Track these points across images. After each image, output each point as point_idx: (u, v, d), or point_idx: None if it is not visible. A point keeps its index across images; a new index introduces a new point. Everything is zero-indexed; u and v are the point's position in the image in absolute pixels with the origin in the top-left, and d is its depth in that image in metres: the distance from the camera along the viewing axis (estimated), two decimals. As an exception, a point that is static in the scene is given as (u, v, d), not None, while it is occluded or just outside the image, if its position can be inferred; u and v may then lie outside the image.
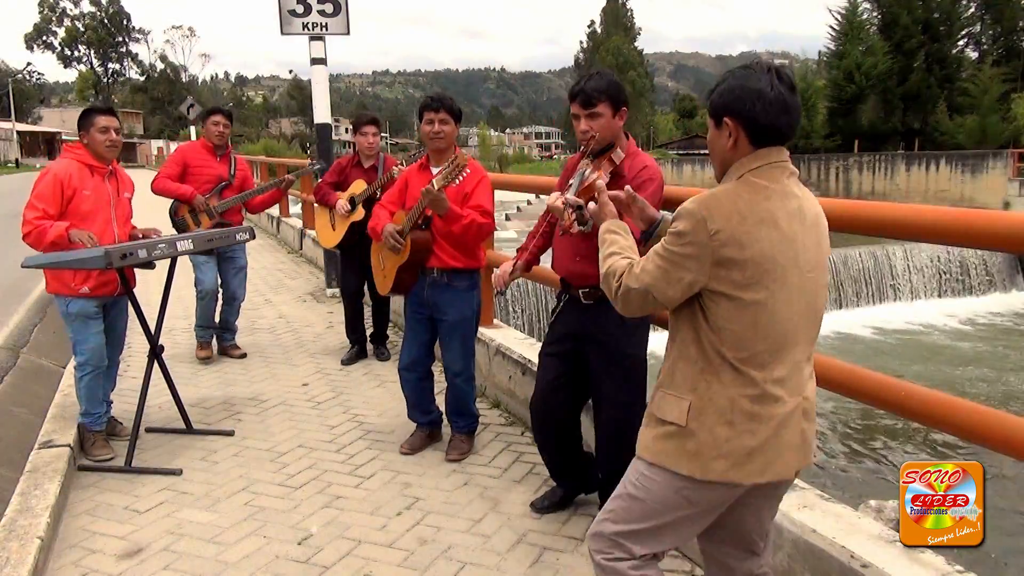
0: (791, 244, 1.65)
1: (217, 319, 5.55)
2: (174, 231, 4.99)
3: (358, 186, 5.20)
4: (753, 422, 1.67)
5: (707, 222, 1.62)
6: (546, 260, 3.25)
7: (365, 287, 5.41)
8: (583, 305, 2.84)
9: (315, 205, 5.61)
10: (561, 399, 2.99)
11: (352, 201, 5.12)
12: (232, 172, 5.40)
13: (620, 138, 2.73)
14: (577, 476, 3.13)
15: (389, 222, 3.60)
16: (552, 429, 3.05)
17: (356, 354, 5.43)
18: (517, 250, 3.15)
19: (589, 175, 2.38)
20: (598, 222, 2.01)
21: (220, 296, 5.50)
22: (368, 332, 5.58)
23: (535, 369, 3.89)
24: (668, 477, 1.76)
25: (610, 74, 2.77)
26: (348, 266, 5.42)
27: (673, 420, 1.74)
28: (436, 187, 3.25)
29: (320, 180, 5.61)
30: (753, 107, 1.64)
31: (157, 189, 5.26)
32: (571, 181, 2.41)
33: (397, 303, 5.63)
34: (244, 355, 5.55)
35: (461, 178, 3.29)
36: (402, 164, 4.88)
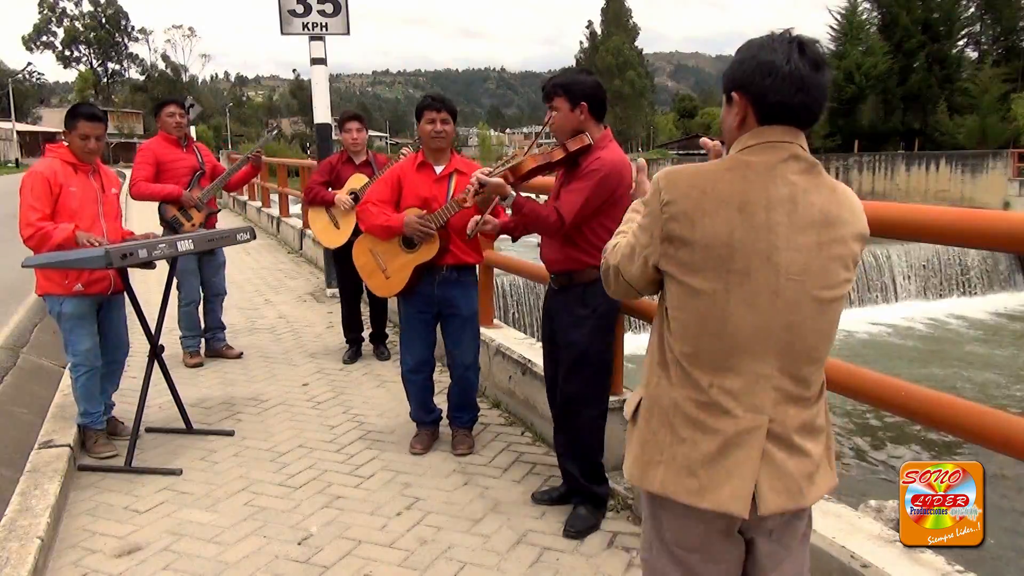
0: (764, 236, 1.42)
1: (203, 323, 5.52)
2: (166, 231, 4.99)
3: (357, 180, 5.17)
4: (696, 431, 1.48)
5: (661, 192, 1.48)
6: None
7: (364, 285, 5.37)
8: (553, 290, 3.02)
9: (308, 207, 5.52)
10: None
11: (355, 196, 5.09)
12: (202, 160, 5.36)
13: (587, 130, 2.84)
14: None
15: (399, 216, 3.49)
16: (556, 420, 3.16)
17: (355, 353, 5.43)
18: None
19: (521, 157, 2.83)
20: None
21: (207, 295, 5.49)
22: (367, 332, 5.57)
23: (535, 369, 3.92)
24: (645, 497, 1.63)
25: (575, 71, 2.94)
26: (347, 264, 5.32)
27: (627, 415, 1.64)
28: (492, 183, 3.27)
29: (310, 180, 5.57)
30: (763, 81, 1.45)
31: (138, 194, 5.16)
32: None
33: (393, 300, 5.62)
34: (240, 355, 5.53)
35: None
36: (410, 147, 4.81)
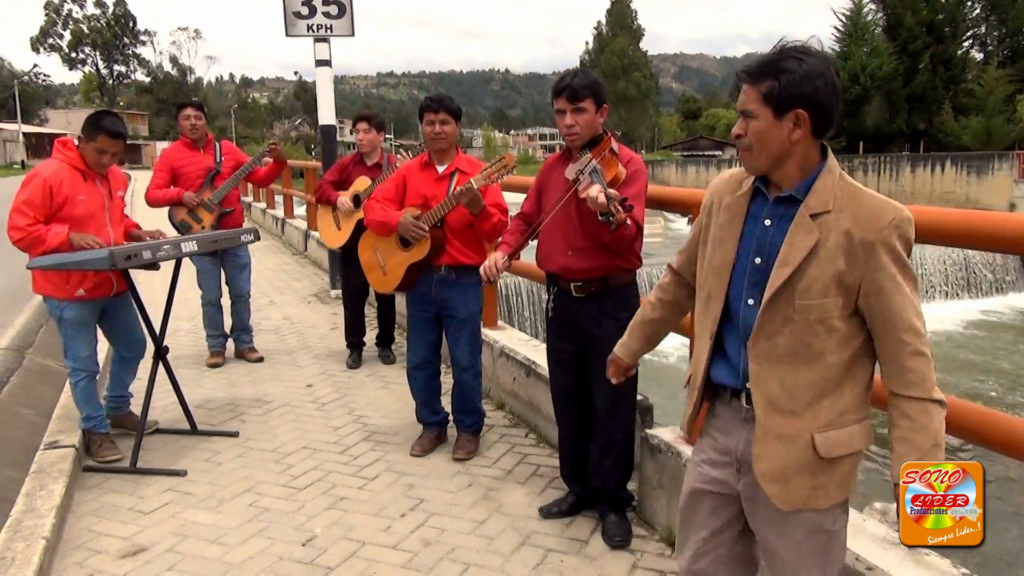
0: None
1: (229, 322, 5.52)
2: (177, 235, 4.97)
3: (362, 183, 5.17)
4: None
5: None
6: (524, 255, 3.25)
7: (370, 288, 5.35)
8: (575, 298, 2.86)
9: (318, 206, 5.56)
10: (577, 405, 3.05)
11: (357, 198, 5.09)
12: (218, 160, 5.32)
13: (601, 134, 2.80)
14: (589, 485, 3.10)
15: (397, 214, 3.54)
16: (570, 431, 3.10)
17: (358, 358, 5.40)
18: (498, 245, 3.07)
19: (601, 168, 2.46)
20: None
21: (229, 296, 5.47)
22: (375, 334, 5.56)
23: (539, 371, 3.91)
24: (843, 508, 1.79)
25: (592, 73, 2.88)
26: (352, 266, 5.21)
27: (861, 448, 1.69)
28: (476, 186, 3.29)
29: (321, 179, 5.59)
30: (827, 95, 1.52)
31: (151, 202, 5.19)
32: (581, 175, 2.46)
33: (401, 303, 5.62)
34: (261, 359, 5.47)
35: (503, 178, 3.35)
36: (407, 154, 4.83)
